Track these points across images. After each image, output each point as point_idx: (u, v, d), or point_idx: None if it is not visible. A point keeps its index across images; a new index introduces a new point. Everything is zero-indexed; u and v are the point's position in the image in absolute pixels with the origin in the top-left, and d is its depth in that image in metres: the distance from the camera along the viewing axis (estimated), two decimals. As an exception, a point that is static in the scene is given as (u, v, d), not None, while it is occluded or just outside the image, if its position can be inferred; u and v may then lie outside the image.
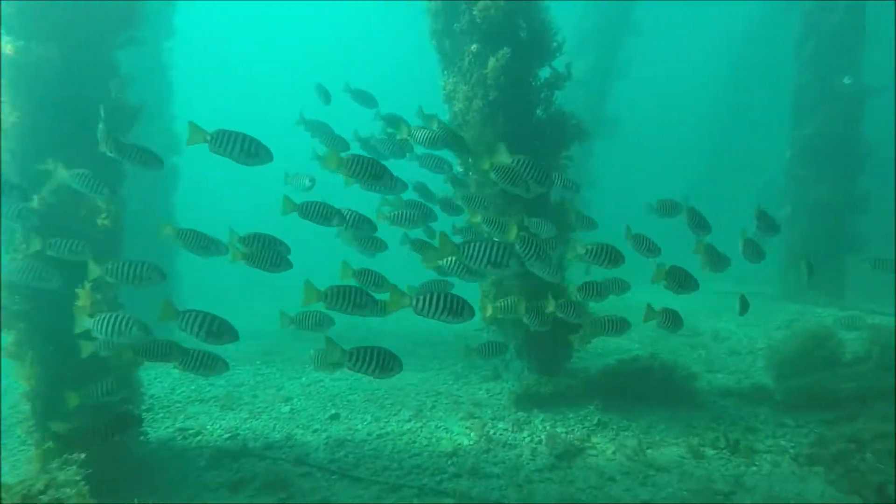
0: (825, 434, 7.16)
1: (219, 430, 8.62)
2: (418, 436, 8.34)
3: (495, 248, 5.11)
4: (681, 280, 6.16)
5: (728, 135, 35.67)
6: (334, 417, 9.11)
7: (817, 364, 9.49)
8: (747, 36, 36.14)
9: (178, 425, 8.82)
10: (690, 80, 44.73)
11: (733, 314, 12.96)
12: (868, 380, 8.69)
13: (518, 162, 6.32)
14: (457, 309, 4.67)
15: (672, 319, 6.40)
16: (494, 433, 8.31)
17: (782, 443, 7.81)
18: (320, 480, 7.09)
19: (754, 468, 7.18)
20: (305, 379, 11.24)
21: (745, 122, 34.44)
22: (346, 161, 5.75)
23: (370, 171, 5.80)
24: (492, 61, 8.79)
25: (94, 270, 5.70)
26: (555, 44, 9.43)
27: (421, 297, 4.73)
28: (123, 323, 5.19)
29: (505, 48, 8.64)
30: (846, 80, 15.85)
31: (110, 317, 5.23)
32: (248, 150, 5.10)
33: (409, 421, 8.86)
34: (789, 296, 16.40)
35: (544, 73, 9.56)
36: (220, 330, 5.08)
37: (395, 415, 9.12)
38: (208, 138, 5.04)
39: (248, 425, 8.82)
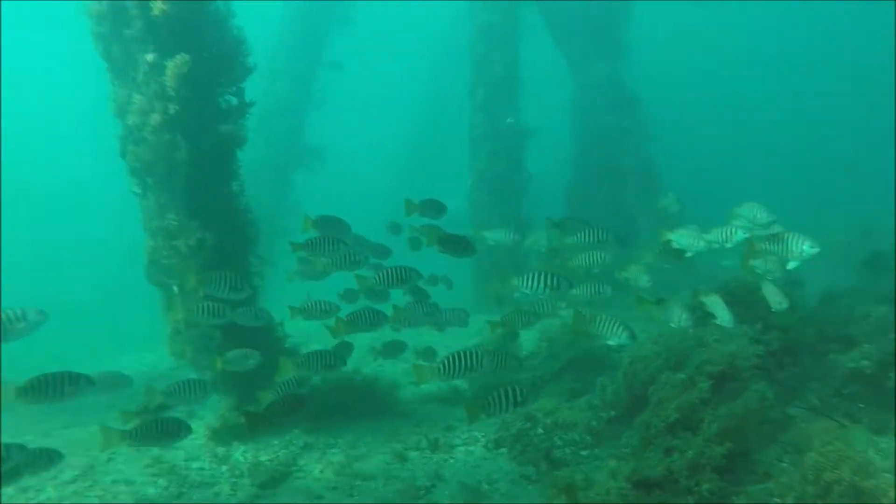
0: (507, 418, 7.92)
1: None
2: (85, 497, 6.96)
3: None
4: None
5: (426, 163, 38.57)
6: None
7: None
8: (438, 70, 39.48)
9: None
10: (391, 109, 47.66)
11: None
12: (539, 369, 9.94)
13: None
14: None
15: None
16: (188, 475, 7.47)
17: (475, 434, 8.45)
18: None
19: (452, 461, 7.63)
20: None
21: (441, 151, 37.46)
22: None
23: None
24: (170, 66, 8.16)
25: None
26: (247, 64, 9.22)
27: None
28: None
29: (184, 54, 8.11)
30: (509, 121, 18.44)
31: None
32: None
33: (75, 482, 7.32)
34: (480, 308, 18.14)
35: (231, 100, 9.24)
36: None
37: (53, 478, 7.34)
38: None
39: None
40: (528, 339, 11.80)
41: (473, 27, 19.34)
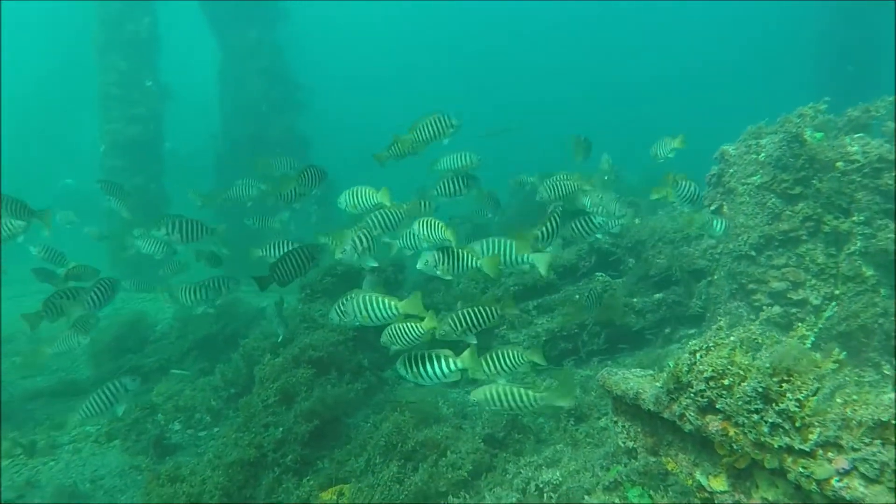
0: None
1: None
2: None
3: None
4: None
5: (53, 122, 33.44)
6: None
7: (132, 347, 9.91)
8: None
9: None
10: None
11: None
12: (167, 351, 9.57)
13: None
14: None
15: None
16: None
17: (88, 429, 7.79)
18: None
19: (52, 463, 6.94)
20: None
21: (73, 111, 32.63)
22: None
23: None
24: None
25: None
26: None
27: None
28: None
29: None
30: (148, 83, 16.88)
31: None
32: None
33: None
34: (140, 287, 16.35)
35: None
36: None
37: None
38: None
39: None
40: (163, 320, 11.23)
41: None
